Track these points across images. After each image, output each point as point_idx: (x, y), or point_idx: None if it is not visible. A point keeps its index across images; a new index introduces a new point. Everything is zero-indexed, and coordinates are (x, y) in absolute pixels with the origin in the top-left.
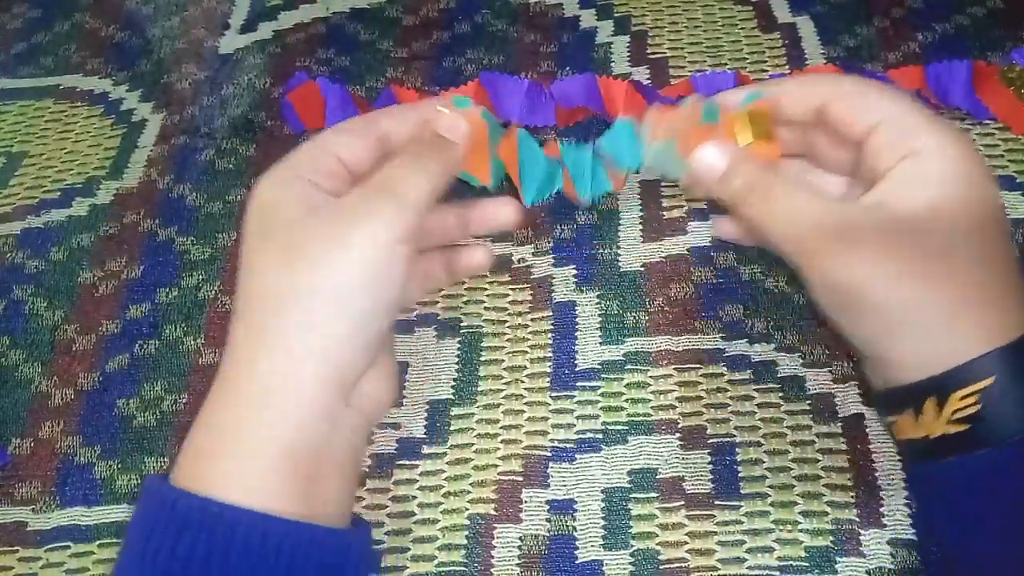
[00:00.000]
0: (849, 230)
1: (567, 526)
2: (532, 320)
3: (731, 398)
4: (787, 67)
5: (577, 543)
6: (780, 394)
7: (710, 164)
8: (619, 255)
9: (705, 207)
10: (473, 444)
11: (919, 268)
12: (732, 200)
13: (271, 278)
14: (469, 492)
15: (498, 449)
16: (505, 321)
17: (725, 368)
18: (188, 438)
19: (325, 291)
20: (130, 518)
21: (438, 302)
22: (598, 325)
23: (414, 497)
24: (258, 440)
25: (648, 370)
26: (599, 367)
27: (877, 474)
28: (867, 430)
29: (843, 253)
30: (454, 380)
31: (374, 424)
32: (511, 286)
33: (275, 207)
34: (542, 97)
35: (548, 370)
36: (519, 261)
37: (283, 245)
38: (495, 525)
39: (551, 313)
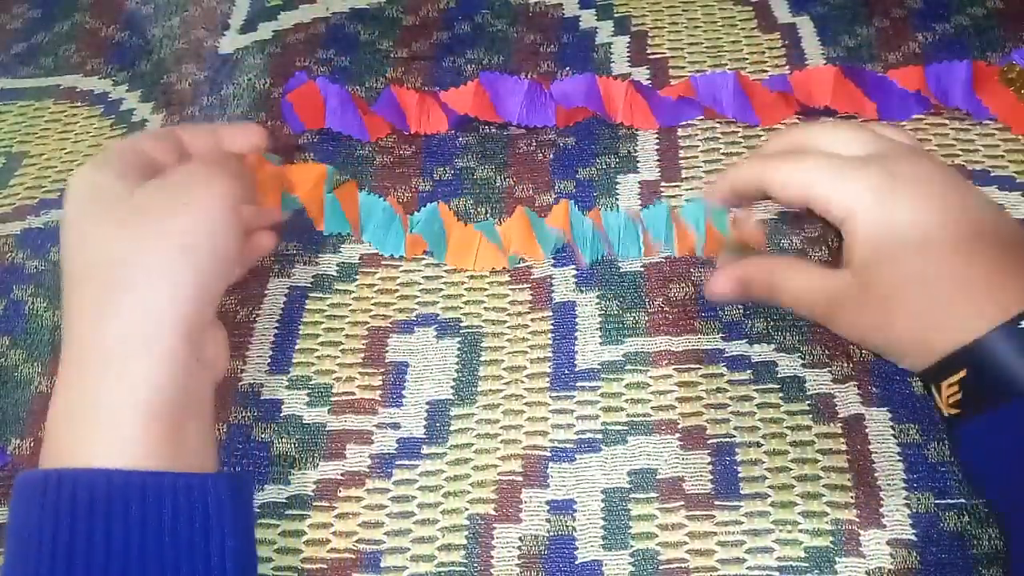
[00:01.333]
0: (836, 302)
1: (567, 526)
2: (532, 320)
3: (731, 398)
4: (787, 67)
5: (577, 543)
6: (780, 394)
7: (725, 290)
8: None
9: None
10: (473, 444)
11: (880, 320)
12: (753, 296)
13: (115, 243)
14: (469, 492)
15: (498, 449)
16: (505, 321)
17: (725, 368)
18: (48, 419)
19: (172, 248)
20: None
21: (438, 302)
22: (598, 325)
23: (414, 497)
24: (121, 398)
25: (648, 370)
26: (599, 367)
27: (877, 474)
28: (867, 430)
29: (838, 317)
30: (454, 380)
31: (216, 383)
32: (511, 286)
33: (103, 187)
34: (542, 97)
35: (548, 370)
36: (519, 261)
37: (123, 213)
38: (495, 525)
39: (551, 313)
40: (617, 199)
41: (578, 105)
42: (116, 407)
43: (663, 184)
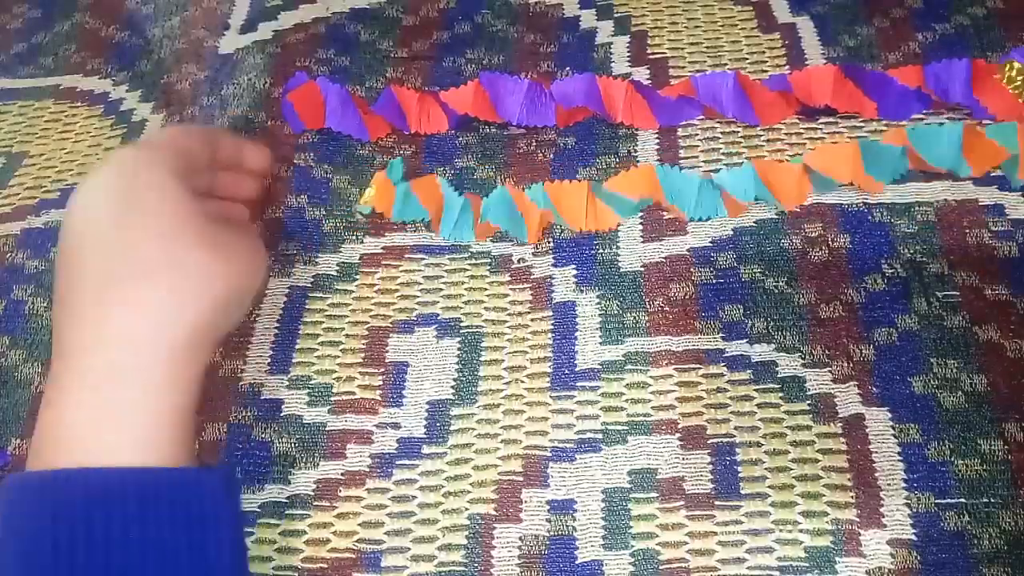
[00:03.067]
0: None
1: (567, 526)
2: (532, 320)
3: (731, 398)
4: (787, 67)
5: (577, 543)
6: (780, 394)
7: None
8: (619, 255)
9: None
10: (473, 444)
11: None
12: None
13: (184, 252)
14: (469, 492)
15: (498, 449)
16: (505, 321)
17: (725, 368)
18: (56, 416)
19: (243, 288)
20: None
21: (438, 302)
22: (598, 325)
23: (414, 497)
24: (157, 404)
25: (648, 370)
26: (599, 367)
27: (877, 474)
28: (867, 430)
29: None
30: (454, 380)
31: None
32: (511, 286)
33: (183, 196)
34: (542, 97)
35: (548, 370)
36: (519, 261)
37: (205, 233)
38: (495, 525)
39: (551, 313)
40: None
41: (578, 105)
42: (147, 412)
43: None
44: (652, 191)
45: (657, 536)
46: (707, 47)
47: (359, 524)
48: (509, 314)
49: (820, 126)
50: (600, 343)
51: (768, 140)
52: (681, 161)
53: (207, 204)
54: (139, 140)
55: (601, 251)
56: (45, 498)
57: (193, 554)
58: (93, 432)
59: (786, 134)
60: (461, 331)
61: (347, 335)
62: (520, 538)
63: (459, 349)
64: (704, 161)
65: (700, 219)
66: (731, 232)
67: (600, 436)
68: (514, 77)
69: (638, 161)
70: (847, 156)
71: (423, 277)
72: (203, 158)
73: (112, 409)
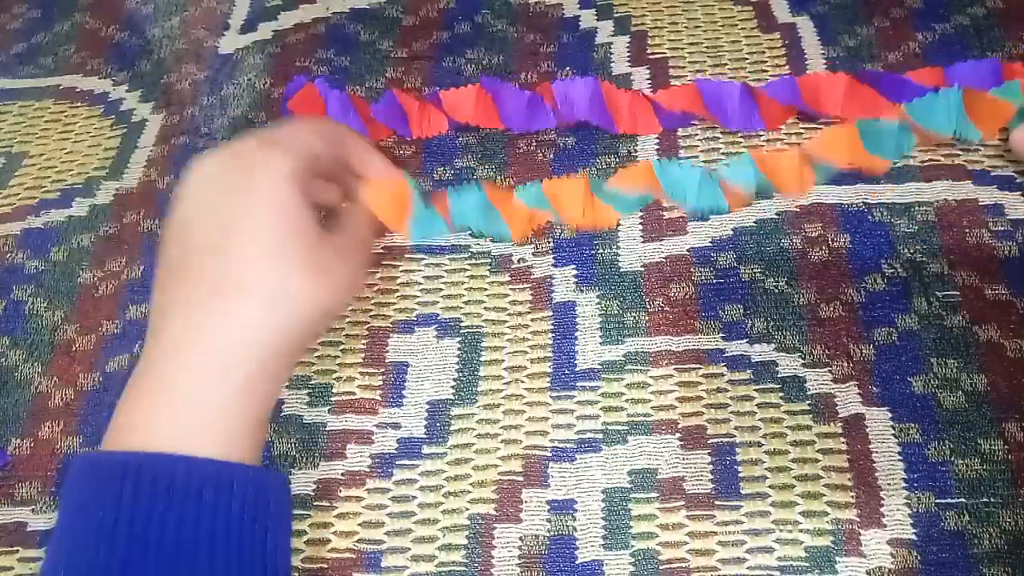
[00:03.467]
0: None
1: (567, 526)
2: (532, 320)
3: (731, 398)
4: (787, 67)
5: (577, 543)
6: (780, 394)
7: None
8: (619, 255)
9: None
10: (473, 444)
11: None
12: None
13: (251, 272)
14: (469, 492)
15: (498, 449)
16: (505, 321)
17: (725, 368)
18: (138, 408)
19: (316, 299)
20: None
21: (438, 302)
22: (598, 325)
23: (414, 497)
24: (236, 411)
25: (648, 370)
26: (599, 367)
27: (877, 474)
28: (867, 430)
29: None
30: (454, 380)
31: None
32: (511, 286)
33: (297, 211)
34: (543, 109)
35: (548, 370)
36: (519, 261)
37: (318, 257)
38: (495, 525)
39: (551, 313)
40: None
41: (581, 118)
42: (228, 416)
43: None
44: (651, 187)
45: (657, 536)
46: (707, 47)
47: (359, 524)
48: (509, 314)
49: (820, 126)
50: (600, 343)
51: (768, 140)
52: (681, 162)
53: (329, 219)
54: (262, 131)
55: (601, 251)
56: (122, 478)
57: (256, 549)
58: (172, 428)
59: (786, 133)
60: (461, 331)
61: (347, 335)
62: (520, 538)
63: (459, 349)
64: (704, 161)
65: (701, 211)
66: (731, 232)
67: (600, 436)
68: (516, 88)
69: (639, 161)
70: (846, 139)
71: (423, 277)
72: (328, 160)
73: (191, 411)
